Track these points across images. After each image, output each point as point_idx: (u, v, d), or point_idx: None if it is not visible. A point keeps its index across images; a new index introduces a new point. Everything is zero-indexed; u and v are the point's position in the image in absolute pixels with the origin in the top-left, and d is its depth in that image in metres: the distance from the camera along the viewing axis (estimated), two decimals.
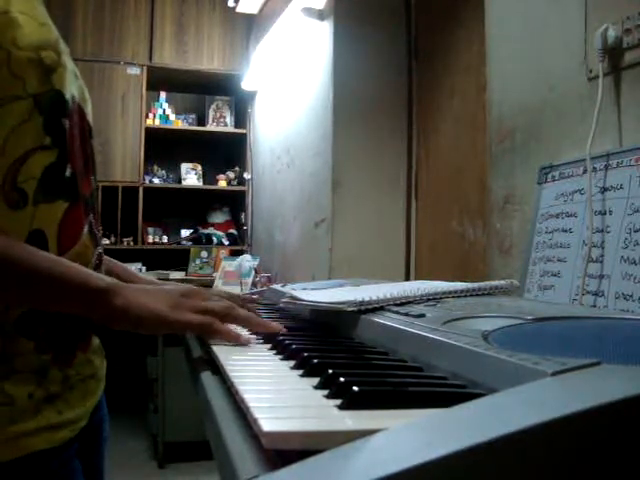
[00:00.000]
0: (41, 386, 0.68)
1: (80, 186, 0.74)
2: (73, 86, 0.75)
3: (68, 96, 0.72)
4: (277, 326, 0.71)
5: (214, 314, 0.67)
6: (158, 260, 3.99)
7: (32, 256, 0.64)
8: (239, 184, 4.27)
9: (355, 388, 0.39)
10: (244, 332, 0.70)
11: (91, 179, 0.80)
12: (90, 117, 0.83)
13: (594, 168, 1.14)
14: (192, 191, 4.33)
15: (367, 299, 0.71)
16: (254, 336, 0.69)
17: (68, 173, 0.71)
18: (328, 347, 0.63)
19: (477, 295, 0.80)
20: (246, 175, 4.19)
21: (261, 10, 3.78)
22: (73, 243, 0.72)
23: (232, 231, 4.30)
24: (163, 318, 0.65)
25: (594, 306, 1.08)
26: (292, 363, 0.54)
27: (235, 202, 4.45)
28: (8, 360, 0.66)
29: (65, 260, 0.68)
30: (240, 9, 3.78)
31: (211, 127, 4.27)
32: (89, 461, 0.81)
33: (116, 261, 0.95)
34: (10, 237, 0.65)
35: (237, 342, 0.66)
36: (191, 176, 4.28)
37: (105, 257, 0.87)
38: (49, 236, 0.69)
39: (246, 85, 3.85)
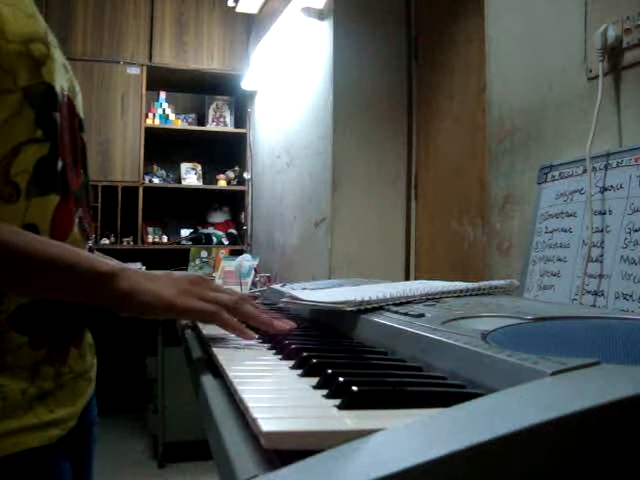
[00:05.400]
0: (34, 383, 0.67)
1: (70, 180, 0.73)
2: (62, 79, 0.74)
3: (58, 89, 0.71)
4: (283, 325, 0.70)
5: (223, 305, 0.67)
6: (158, 260, 3.99)
7: (34, 243, 0.63)
8: (239, 184, 4.27)
9: (354, 388, 0.39)
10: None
11: (80, 172, 0.78)
12: (80, 110, 0.81)
13: (594, 168, 1.14)
14: (192, 191, 4.33)
15: (367, 299, 0.71)
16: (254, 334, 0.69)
17: (59, 167, 0.70)
18: (327, 347, 0.63)
19: (477, 295, 0.80)
20: (246, 175, 4.19)
21: (261, 10, 3.77)
22: (65, 237, 0.71)
23: (232, 231, 4.30)
24: (171, 303, 0.64)
25: (594, 306, 1.08)
26: (291, 363, 0.54)
27: (235, 202, 4.45)
28: (0, 355, 0.65)
29: (68, 246, 0.67)
30: (240, 9, 3.78)
31: (211, 127, 4.27)
32: (78, 464, 0.80)
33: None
34: (11, 225, 0.64)
35: (242, 335, 0.66)
36: (191, 176, 4.28)
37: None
38: (42, 230, 0.68)
39: (246, 85, 3.85)
